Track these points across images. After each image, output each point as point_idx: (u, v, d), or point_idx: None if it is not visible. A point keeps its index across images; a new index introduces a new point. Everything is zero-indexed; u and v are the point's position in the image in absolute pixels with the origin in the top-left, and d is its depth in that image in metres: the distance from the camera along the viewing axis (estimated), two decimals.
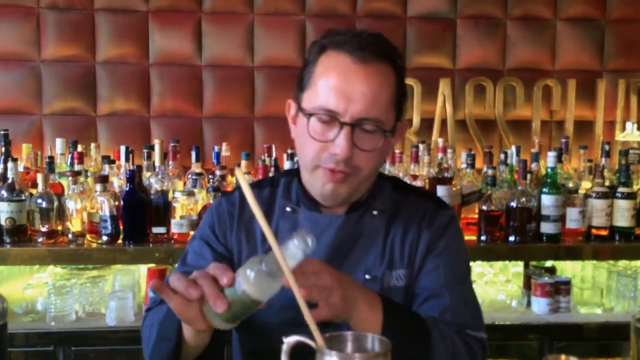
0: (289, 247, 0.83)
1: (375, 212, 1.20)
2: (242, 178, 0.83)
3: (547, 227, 2.32)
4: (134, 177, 2.23)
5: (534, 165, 2.53)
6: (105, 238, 2.20)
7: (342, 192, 1.13)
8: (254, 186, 1.29)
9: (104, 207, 2.19)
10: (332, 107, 1.07)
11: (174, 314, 0.98)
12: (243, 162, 2.53)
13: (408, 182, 2.27)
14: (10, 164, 2.21)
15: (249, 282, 0.82)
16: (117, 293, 2.24)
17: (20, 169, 2.48)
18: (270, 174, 2.42)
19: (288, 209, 1.21)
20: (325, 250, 1.16)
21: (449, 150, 2.53)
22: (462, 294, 1.21)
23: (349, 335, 0.78)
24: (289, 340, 0.77)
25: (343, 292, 0.96)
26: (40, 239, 2.21)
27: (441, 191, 2.31)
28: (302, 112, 1.13)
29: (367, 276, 1.17)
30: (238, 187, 1.28)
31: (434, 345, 1.07)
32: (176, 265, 1.39)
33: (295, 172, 1.26)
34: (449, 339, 1.11)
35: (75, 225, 2.24)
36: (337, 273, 0.98)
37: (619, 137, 2.98)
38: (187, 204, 2.29)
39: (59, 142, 2.60)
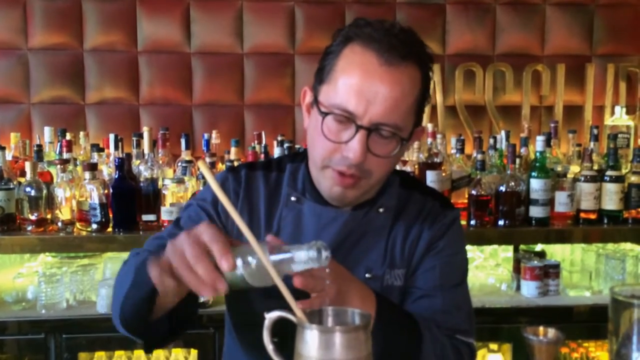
0: (301, 255, 0.80)
1: (381, 210, 1.17)
2: (206, 170, 0.80)
3: (536, 211, 2.33)
4: (123, 165, 2.22)
5: (523, 150, 2.54)
6: (94, 226, 2.20)
7: (350, 196, 1.10)
8: (261, 167, 1.23)
9: (93, 195, 2.19)
10: (350, 108, 1.01)
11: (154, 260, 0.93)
12: (233, 149, 2.53)
13: (398, 167, 2.28)
14: None
15: (250, 269, 0.79)
16: (108, 281, 2.23)
17: (9, 157, 2.47)
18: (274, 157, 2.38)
19: (293, 198, 1.17)
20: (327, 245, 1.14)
21: (439, 136, 2.54)
22: (455, 297, 1.19)
23: (329, 310, 0.79)
24: (271, 316, 0.77)
25: (337, 285, 0.93)
26: (29, 228, 2.20)
27: (431, 176, 2.32)
28: (318, 106, 1.07)
29: (367, 275, 1.14)
30: (245, 166, 1.24)
31: (425, 348, 1.06)
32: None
33: (302, 158, 1.21)
34: (440, 343, 1.10)
35: (64, 213, 2.24)
36: (335, 265, 0.95)
37: (608, 121, 2.99)
38: (177, 191, 2.28)
39: (47, 130, 2.59)
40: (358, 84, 1.01)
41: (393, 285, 1.16)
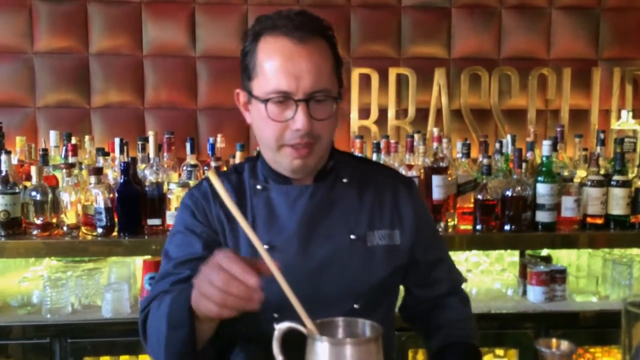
0: None
1: (345, 180, 1.29)
2: (216, 181, 0.88)
3: (542, 216, 2.32)
4: (128, 169, 2.22)
5: (529, 154, 2.53)
6: (100, 230, 2.19)
7: (310, 163, 1.20)
8: (220, 175, 1.31)
9: (99, 199, 2.19)
10: (284, 89, 1.13)
11: (180, 299, 1.01)
12: (238, 153, 2.52)
13: (403, 172, 2.28)
14: (3, 157, 2.20)
15: None
16: (113, 285, 2.23)
17: (14, 161, 2.47)
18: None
19: (258, 187, 1.27)
20: (301, 216, 1.23)
21: (444, 140, 2.53)
22: (448, 254, 1.43)
23: (340, 321, 0.78)
24: (281, 327, 0.77)
25: None
26: (35, 232, 2.20)
27: (436, 181, 2.31)
28: (256, 99, 1.18)
29: (352, 236, 1.24)
30: (203, 180, 1.34)
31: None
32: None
33: (256, 157, 1.33)
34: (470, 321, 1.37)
35: (70, 217, 2.24)
36: None
37: (614, 125, 2.98)
38: (182, 195, 2.27)
39: (52, 134, 2.59)
40: (282, 66, 1.13)
41: (378, 245, 1.27)
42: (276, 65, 1.13)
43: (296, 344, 0.78)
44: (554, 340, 0.80)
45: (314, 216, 1.23)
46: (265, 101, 1.14)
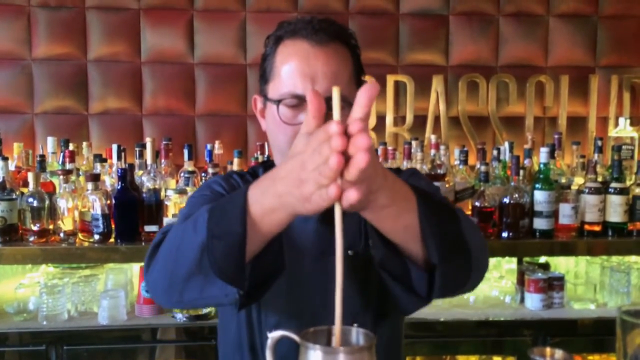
0: None
1: None
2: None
3: (540, 223, 2.32)
4: (125, 175, 2.22)
5: (526, 161, 2.53)
6: (97, 237, 2.19)
7: None
8: (236, 176, 1.29)
9: (96, 205, 2.18)
10: (298, 92, 1.10)
11: (228, 203, 0.89)
12: (236, 160, 2.52)
13: None
14: (1, 163, 2.20)
15: None
16: (110, 292, 2.23)
17: (12, 168, 2.47)
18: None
19: None
20: (314, 232, 1.18)
21: (442, 147, 2.53)
22: (441, 196, 1.19)
23: (333, 329, 0.77)
24: (273, 335, 0.76)
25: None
26: (31, 238, 2.20)
27: None
28: (270, 101, 1.15)
29: (350, 252, 1.19)
30: (225, 175, 1.28)
31: (461, 219, 0.99)
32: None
33: (272, 163, 1.28)
34: (463, 212, 1.06)
35: (66, 224, 2.23)
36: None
37: (612, 132, 2.98)
38: (179, 202, 2.27)
39: (50, 140, 2.59)
40: (298, 68, 1.11)
41: (371, 256, 1.15)
42: (292, 67, 1.11)
43: (288, 353, 0.77)
44: (548, 349, 0.80)
45: (325, 231, 1.14)
46: (278, 102, 1.12)
